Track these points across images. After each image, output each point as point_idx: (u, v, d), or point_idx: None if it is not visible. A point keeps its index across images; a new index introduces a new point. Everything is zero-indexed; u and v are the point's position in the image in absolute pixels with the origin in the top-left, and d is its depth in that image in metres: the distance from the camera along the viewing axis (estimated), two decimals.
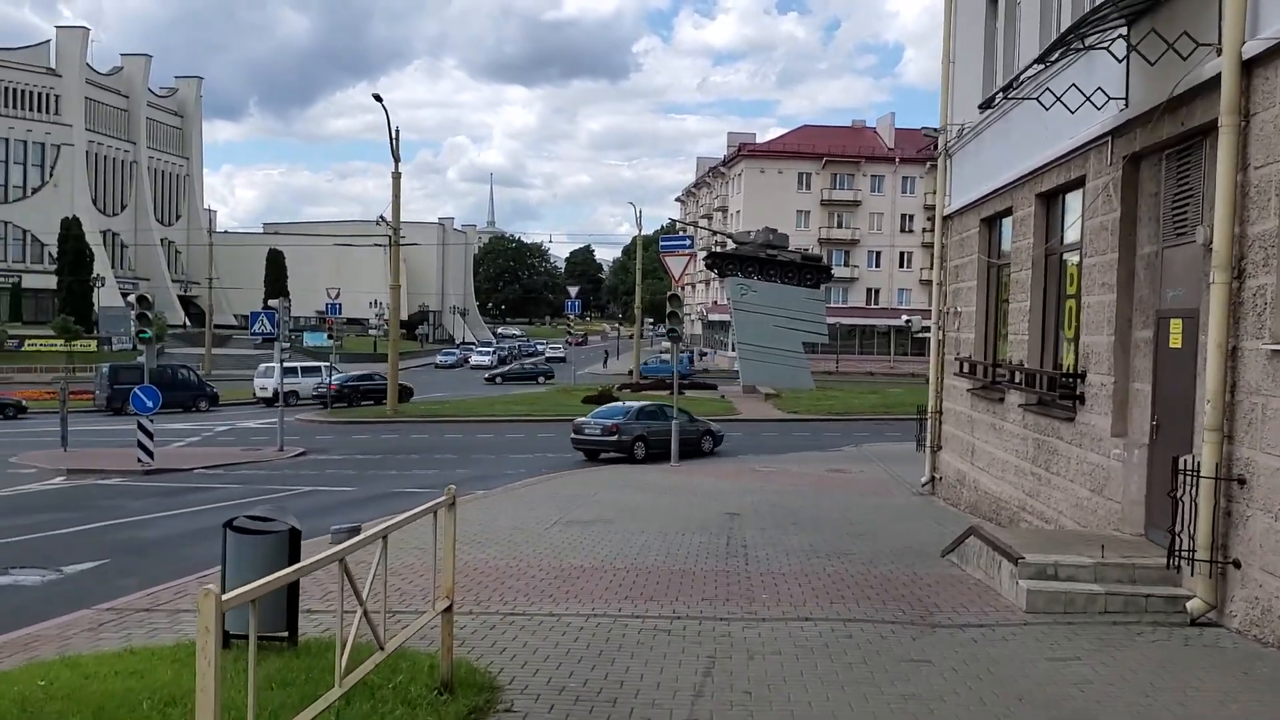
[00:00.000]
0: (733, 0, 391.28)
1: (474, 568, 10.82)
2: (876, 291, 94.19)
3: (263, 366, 50.15)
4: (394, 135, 38.65)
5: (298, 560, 6.81)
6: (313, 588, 9.55)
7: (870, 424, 39.22)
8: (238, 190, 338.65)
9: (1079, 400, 11.32)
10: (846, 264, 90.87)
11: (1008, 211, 15.03)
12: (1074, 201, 12.49)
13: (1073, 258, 12.58)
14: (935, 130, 18.39)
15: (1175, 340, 9.44)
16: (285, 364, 51.81)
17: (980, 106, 14.42)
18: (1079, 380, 11.39)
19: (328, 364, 48.85)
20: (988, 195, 15.75)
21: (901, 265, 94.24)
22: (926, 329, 21.13)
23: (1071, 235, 12.51)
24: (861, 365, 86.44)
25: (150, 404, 25.31)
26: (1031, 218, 13.57)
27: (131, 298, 25.93)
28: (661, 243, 24.49)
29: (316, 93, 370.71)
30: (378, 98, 36.62)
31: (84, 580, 11.86)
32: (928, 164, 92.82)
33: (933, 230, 79.99)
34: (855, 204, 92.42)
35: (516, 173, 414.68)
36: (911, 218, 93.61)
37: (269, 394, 48.97)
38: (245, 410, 45.59)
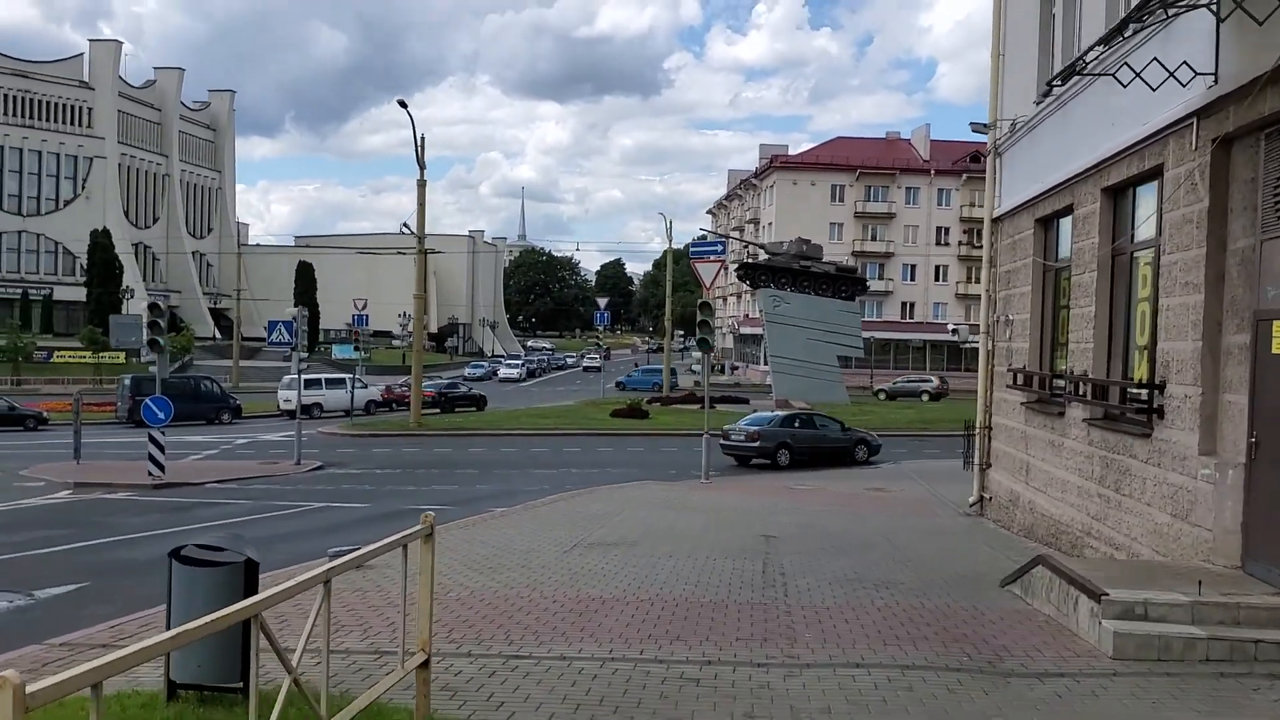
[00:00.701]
0: (765, 16, 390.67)
1: (481, 597, 9.75)
2: (911, 305, 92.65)
3: (286, 378, 49.43)
4: (419, 142, 37.90)
5: (254, 594, 5.75)
6: (297, 620, 8.50)
7: (908, 440, 37.89)
8: (274, 206, 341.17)
9: (1157, 414, 10.12)
10: (881, 277, 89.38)
11: (1067, 210, 13.85)
12: (1147, 195, 11.31)
13: (1145, 256, 11.39)
14: (985, 125, 17.20)
15: (1279, 345, 8.25)
16: (309, 376, 51.82)
17: (1044, 90, 13.31)
18: (1157, 392, 10.19)
19: (353, 375, 48.12)
20: (1043, 194, 14.58)
21: (937, 279, 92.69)
22: (974, 339, 20.00)
23: (1145, 232, 11.32)
24: (896, 380, 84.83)
25: (162, 415, 24.47)
26: (1096, 214, 12.38)
27: (144, 305, 24.91)
28: (691, 250, 23.51)
29: (351, 109, 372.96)
30: (403, 104, 35.87)
31: (55, 607, 10.88)
32: (964, 175, 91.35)
33: (969, 243, 78.92)
34: (890, 216, 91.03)
35: (549, 188, 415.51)
36: (947, 230, 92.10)
37: (292, 407, 48.40)
38: (268, 423, 44.85)
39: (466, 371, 76.07)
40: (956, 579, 11.13)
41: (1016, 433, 15.81)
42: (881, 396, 65.75)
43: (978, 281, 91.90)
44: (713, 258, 23.47)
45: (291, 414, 48.03)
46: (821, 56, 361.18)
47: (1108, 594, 7.58)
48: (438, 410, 49.14)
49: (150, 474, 24.25)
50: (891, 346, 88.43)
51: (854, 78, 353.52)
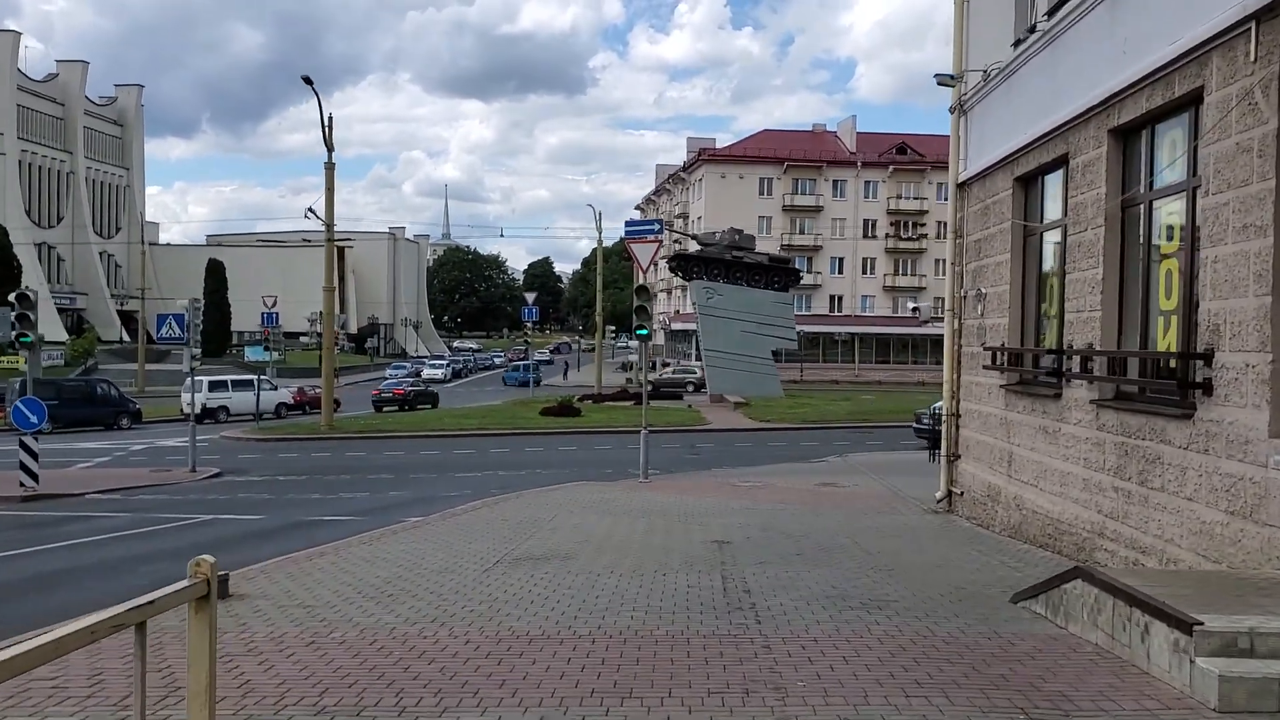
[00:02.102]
0: (687, 16, 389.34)
1: (372, 639, 7.60)
2: (840, 298, 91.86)
3: (189, 381, 46.36)
4: (327, 122, 35.34)
5: None
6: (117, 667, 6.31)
7: (848, 432, 36.30)
8: (191, 207, 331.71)
9: (1202, 390, 8.32)
10: (809, 270, 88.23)
11: (1058, 162, 12.10)
12: (1172, 131, 9.54)
13: (1170, 205, 9.64)
14: (951, 78, 15.43)
15: None
16: (215, 378, 48.83)
17: (1028, 27, 11.53)
18: (1200, 363, 8.41)
19: (259, 376, 45.25)
20: (1025, 147, 12.83)
21: (865, 271, 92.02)
22: (939, 318, 18.38)
23: (1170, 176, 9.56)
24: (826, 373, 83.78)
25: (34, 419, 21.83)
26: (1102, 161, 10.61)
27: (12, 296, 22.21)
28: (627, 229, 21.30)
29: (269, 108, 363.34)
30: (308, 80, 33.29)
31: None
32: (890, 168, 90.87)
33: (896, 235, 78.75)
34: (817, 209, 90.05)
35: (473, 187, 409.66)
36: (874, 223, 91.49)
37: (196, 410, 45.32)
38: (171, 428, 41.85)
39: (387, 374, 72.97)
40: (956, 594, 9.25)
41: (994, 419, 14.05)
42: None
43: (906, 274, 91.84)
44: (649, 237, 21.42)
45: (196, 417, 45.09)
46: (744, 56, 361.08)
47: (1202, 623, 5.70)
48: (401, 408, 50.63)
49: (21, 484, 21.59)
50: (820, 340, 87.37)
51: (776, 77, 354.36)
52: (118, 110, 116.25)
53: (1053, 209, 12.71)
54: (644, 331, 20.91)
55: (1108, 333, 10.55)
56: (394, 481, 23.60)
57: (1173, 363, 9.25)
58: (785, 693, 6.01)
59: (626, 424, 37.13)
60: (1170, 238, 9.64)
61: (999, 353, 13.73)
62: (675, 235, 66.40)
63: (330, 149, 36.46)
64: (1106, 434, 10.31)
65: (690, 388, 52.72)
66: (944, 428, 16.30)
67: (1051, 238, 12.72)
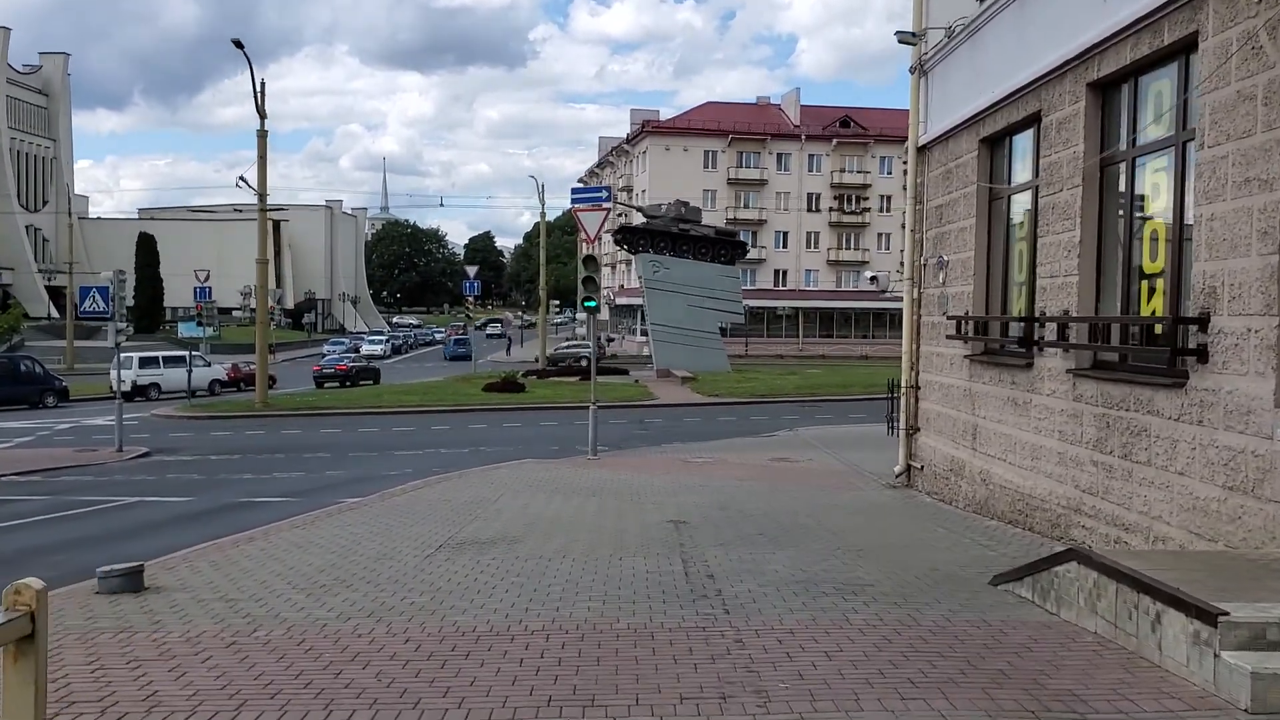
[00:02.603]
0: None
1: (300, 638, 6.84)
2: (784, 273, 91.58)
3: (119, 357, 44.76)
4: (259, 88, 33.98)
5: None
6: None
7: (796, 406, 35.88)
8: (123, 181, 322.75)
9: (1196, 357, 7.79)
10: (754, 245, 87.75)
11: (1030, 120, 11.55)
12: (1159, 82, 8.99)
13: (1157, 162, 9.10)
14: (913, 35, 14.81)
15: None
16: (146, 354, 47.22)
17: None
18: (1195, 327, 7.87)
19: (190, 352, 43.75)
20: (993, 106, 12.27)
21: (809, 246, 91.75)
22: (897, 288, 17.82)
23: (1157, 130, 9.01)
24: (771, 348, 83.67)
25: None
26: (1080, 117, 10.05)
27: None
28: (573, 195, 20.46)
29: (203, 81, 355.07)
30: (238, 44, 31.92)
31: None
32: (834, 141, 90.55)
33: (840, 209, 78.27)
34: (762, 183, 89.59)
35: (412, 161, 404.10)
36: (818, 197, 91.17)
37: (127, 387, 43.74)
38: (98, 406, 40.23)
39: (325, 350, 71.41)
40: (932, 576, 8.69)
41: (957, 391, 13.54)
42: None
43: (850, 248, 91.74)
44: (597, 205, 20.56)
45: (126, 395, 43.47)
46: (686, 30, 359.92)
47: (1227, 613, 5.14)
48: (343, 384, 49.71)
49: None
50: (765, 315, 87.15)
51: (717, 51, 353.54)
52: (42, 79, 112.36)
53: (1021, 171, 12.18)
54: (592, 304, 20.13)
55: (1085, 298, 10.03)
56: (331, 461, 22.67)
57: (1160, 328, 8.73)
58: (767, 697, 5.36)
59: (572, 400, 36.41)
60: (1156, 197, 9.11)
61: (963, 322, 13.20)
62: (620, 208, 65.52)
63: (262, 116, 35.13)
64: (1085, 405, 9.79)
65: (584, 362, 50.95)
66: (902, 400, 15.78)
67: (1021, 201, 12.19)
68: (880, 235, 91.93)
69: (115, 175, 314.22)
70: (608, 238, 62.05)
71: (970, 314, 13.08)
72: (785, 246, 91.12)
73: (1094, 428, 9.58)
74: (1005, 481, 11.76)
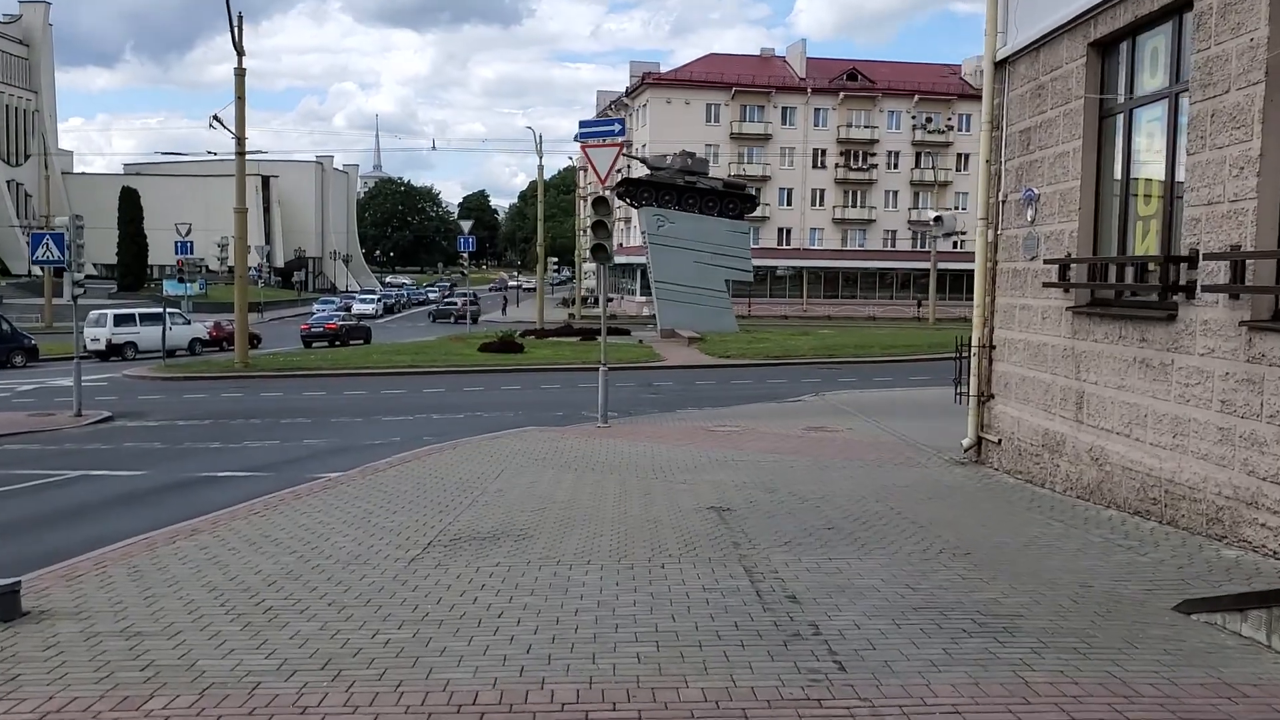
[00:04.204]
0: None
1: (212, 711, 4.56)
2: (788, 231, 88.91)
3: (93, 314, 42.43)
4: (235, 23, 31.36)
5: None
6: None
7: (815, 368, 33.58)
8: (115, 140, 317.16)
9: None
10: (758, 202, 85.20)
11: (1167, 12, 9.18)
12: None
13: None
14: None
15: None
16: (122, 311, 44.76)
17: None
18: None
19: (164, 309, 41.32)
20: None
21: (814, 203, 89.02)
22: (959, 233, 15.49)
23: None
24: (774, 309, 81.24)
25: None
26: None
27: None
28: (581, 128, 17.90)
29: (195, 37, 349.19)
30: None
31: None
32: (840, 94, 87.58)
33: (846, 165, 75.06)
34: (766, 138, 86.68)
35: (407, 120, 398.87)
36: (824, 153, 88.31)
37: (101, 346, 41.40)
38: (69, 366, 37.84)
39: (315, 308, 68.89)
40: (1090, 597, 6.46)
41: (1054, 350, 11.25)
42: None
43: (856, 205, 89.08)
44: (609, 140, 18.13)
45: (101, 355, 41.24)
46: None
47: None
48: (332, 344, 46.84)
49: None
50: (768, 274, 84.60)
51: (715, 10, 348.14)
52: (22, 29, 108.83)
53: (1151, 79, 9.80)
54: (604, 251, 17.76)
55: (1266, 228, 7.70)
56: (311, 427, 20.36)
57: None
58: None
59: (574, 361, 34.13)
60: None
61: (1066, 266, 10.87)
62: (622, 160, 62.84)
63: (240, 53, 32.52)
64: (1268, 367, 7.50)
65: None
66: (973, 362, 13.48)
67: (1149, 114, 9.82)
68: (888, 193, 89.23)
69: (106, 134, 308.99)
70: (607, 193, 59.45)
71: (1075, 256, 10.76)
72: (790, 204, 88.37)
73: None
74: (1130, 462, 9.49)
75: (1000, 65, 12.89)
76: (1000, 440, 12.74)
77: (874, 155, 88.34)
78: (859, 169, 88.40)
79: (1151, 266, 9.61)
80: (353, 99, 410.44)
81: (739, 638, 5.61)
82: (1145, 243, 9.78)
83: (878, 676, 4.92)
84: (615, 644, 5.52)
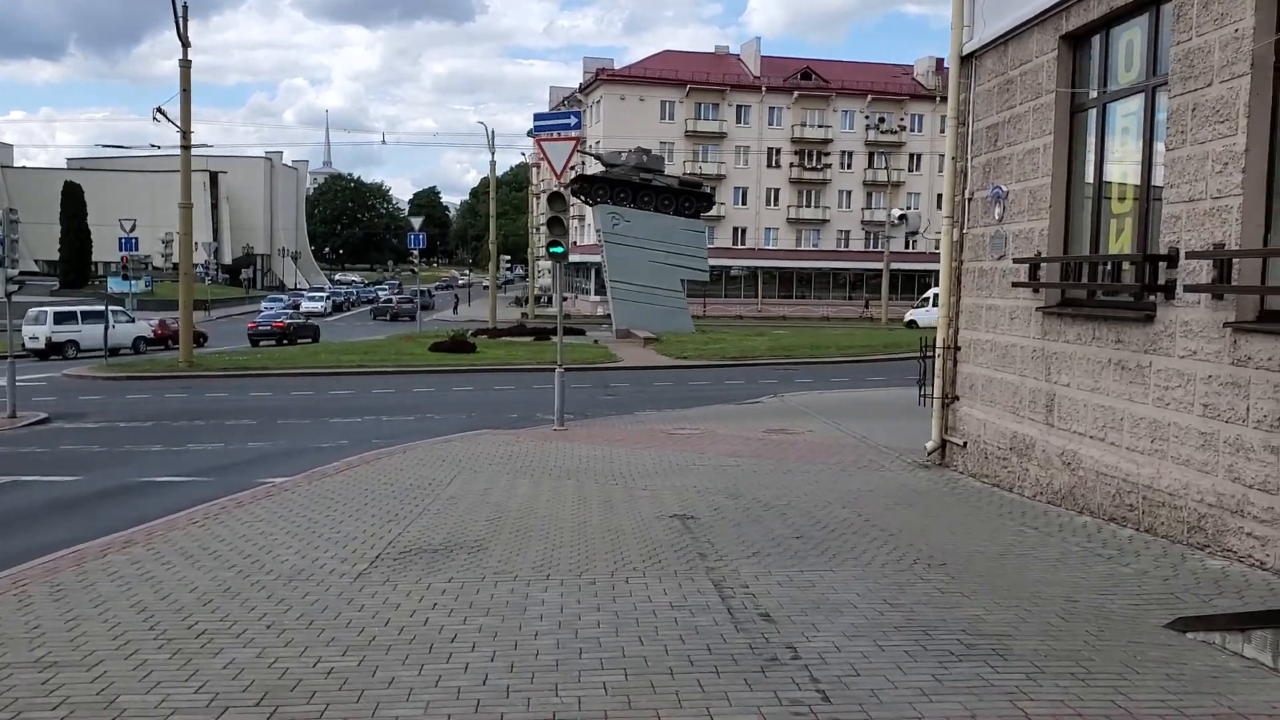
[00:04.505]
0: None
1: None
2: (743, 231, 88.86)
3: (32, 312, 41.16)
4: (180, 14, 30.47)
5: None
6: None
7: (772, 369, 33.31)
8: (59, 134, 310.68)
9: None
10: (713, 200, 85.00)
11: (1146, 2, 8.92)
12: None
13: None
14: None
15: None
16: (62, 308, 43.51)
17: None
18: None
19: (120, 308, 40.18)
20: None
21: (769, 203, 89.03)
22: (924, 233, 15.20)
23: None
24: (729, 309, 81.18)
25: None
26: None
27: None
28: (536, 122, 17.33)
29: (141, 31, 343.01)
30: None
31: None
32: (795, 93, 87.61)
33: (801, 165, 74.80)
34: (720, 135, 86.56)
35: (358, 116, 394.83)
36: (778, 152, 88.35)
37: (40, 344, 40.17)
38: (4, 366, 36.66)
39: (262, 306, 67.60)
40: (1077, 612, 6.15)
41: (1022, 351, 10.99)
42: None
43: (810, 205, 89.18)
44: (565, 134, 17.67)
45: (40, 354, 39.99)
46: None
47: None
48: (279, 343, 45.89)
49: None
50: (722, 274, 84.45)
51: (668, 9, 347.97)
52: None
53: (1126, 73, 9.54)
54: (559, 249, 17.28)
55: (1251, 226, 7.45)
56: (257, 429, 19.70)
57: None
58: None
59: (528, 361, 33.61)
60: None
61: (1036, 265, 10.61)
62: (576, 157, 62.24)
63: (185, 44, 31.59)
64: (1254, 370, 7.23)
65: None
66: (937, 363, 13.20)
67: (1124, 109, 9.56)
68: (842, 193, 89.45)
69: (50, 128, 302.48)
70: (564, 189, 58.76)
71: (1046, 255, 10.49)
72: (745, 203, 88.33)
73: (1271, 401, 7.03)
74: (1105, 466, 9.22)
75: (966, 60, 12.63)
76: (966, 443, 12.47)
77: (828, 155, 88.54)
78: (813, 168, 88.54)
79: (1126, 266, 9.35)
80: (303, 95, 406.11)
81: (713, 663, 5.21)
82: (1119, 241, 9.53)
83: (866, 708, 4.55)
84: (579, 672, 5.10)
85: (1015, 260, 11.01)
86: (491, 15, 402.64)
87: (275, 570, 7.57)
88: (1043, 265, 10.53)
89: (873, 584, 6.89)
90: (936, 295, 73.50)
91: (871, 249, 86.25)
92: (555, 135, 17.62)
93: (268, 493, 11.56)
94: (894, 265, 75.62)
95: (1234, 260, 7.48)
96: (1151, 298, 8.63)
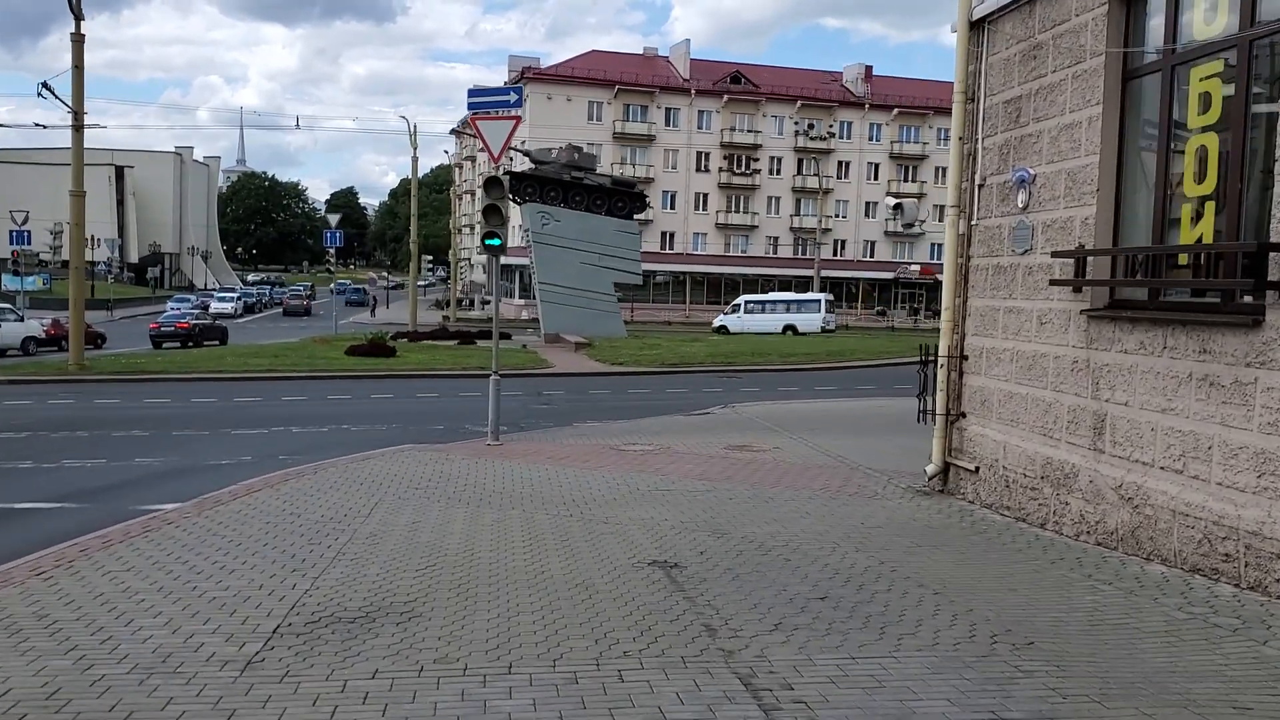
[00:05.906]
0: None
1: None
2: (672, 235, 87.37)
3: None
4: None
5: None
6: None
7: (715, 377, 31.55)
8: None
9: None
10: None
11: None
12: None
13: None
14: None
15: None
16: None
17: None
18: None
19: (8, 306, 36.93)
20: None
21: (697, 208, 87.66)
22: (921, 225, 13.52)
23: None
24: (658, 314, 79.66)
25: None
26: None
27: None
28: (470, 99, 15.30)
29: (50, 24, 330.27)
30: None
31: None
32: (725, 97, 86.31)
33: (730, 169, 73.22)
34: (649, 139, 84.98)
35: (274, 116, 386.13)
36: (708, 156, 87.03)
37: None
38: None
39: (168, 306, 64.01)
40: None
41: (1059, 363, 9.29)
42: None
43: (739, 211, 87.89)
44: (504, 111, 15.67)
45: None
46: None
47: None
48: (184, 345, 42.67)
49: None
50: (650, 279, 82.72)
51: (591, 15, 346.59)
52: None
53: (1207, 25, 7.88)
54: (496, 241, 15.25)
55: None
56: (148, 442, 17.28)
57: None
58: None
59: (453, 366, 31.44)
60: None
61: (1082, 260, 8.91)
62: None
63: (78, 16, 28.87)
64: None
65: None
66: (941, 375, 11.47)
67: (1204, 71, 7.88)
68: (770, 199, 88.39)
69: None
70: (480, 193, 56.10)
71: (1095, 247, 8.80)
72: (673, 208, 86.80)
73: None
74: (1185, 505, 7.52)
75: (977, 25, 10.95)
76: (978, 468, 10.75)
77: (757, 160, 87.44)
78: (742, 173, 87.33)
79: (1197, 259, 7.68)
80: (218, 92, 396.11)
81: None
82: (1198, 228, 7.85)
83: None
84: None
85: (1055, 255, 9.28)
86: (413, 17, 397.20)
87: (131, 657, 5.49)
88: (1090, 260, 8.83)
89: (957, 680, 5.05)
90: (746, 301, 71.92)
91: (801, 256, 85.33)
92: (493, 113, 15.58)
93: (145, 527, 9.37)
94: (824, 273, 74.70)
95: None
96: (1246, 298, 6.97)
